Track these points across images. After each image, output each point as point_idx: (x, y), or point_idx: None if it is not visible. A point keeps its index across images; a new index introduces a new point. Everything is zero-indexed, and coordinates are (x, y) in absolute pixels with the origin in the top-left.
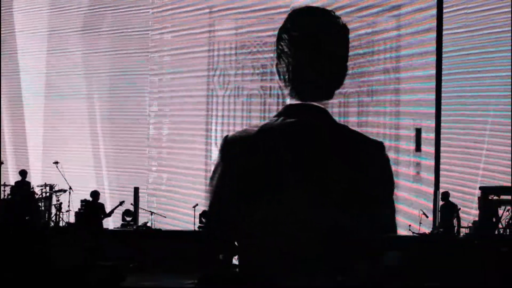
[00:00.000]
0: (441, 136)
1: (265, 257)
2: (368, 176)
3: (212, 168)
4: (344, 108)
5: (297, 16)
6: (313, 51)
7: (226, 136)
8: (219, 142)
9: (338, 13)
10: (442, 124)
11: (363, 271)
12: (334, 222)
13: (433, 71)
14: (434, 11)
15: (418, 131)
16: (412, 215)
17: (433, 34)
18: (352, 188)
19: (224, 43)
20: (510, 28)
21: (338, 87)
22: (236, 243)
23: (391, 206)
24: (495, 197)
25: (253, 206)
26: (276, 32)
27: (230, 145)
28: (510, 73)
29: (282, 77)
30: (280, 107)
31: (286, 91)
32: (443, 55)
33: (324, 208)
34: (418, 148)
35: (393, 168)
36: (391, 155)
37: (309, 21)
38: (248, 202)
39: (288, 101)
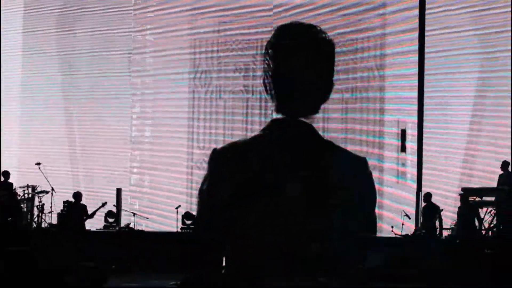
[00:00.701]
0: (424, 136)
1: (261, 258)
2: (351, 190)
3: (193, 166)
4: (328, 104)
5: (283, 31)
6: (299, 62)
7: (215, 149)
8: (201, 142)
9: (322, 11)
10: (425, 124)
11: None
12: (328, 228)
13: (416, 70)
14: (417, 11)
15: (403, 132)
16: (395, 215)
17: (416, 33)
18: (337, 200)
19: (206, 40)
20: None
21: (324, 101)
22: (228, 245)
23: (373, 221)
24: (478, 199)
25: (249, 208)
26: (258, 30)
27: (220, 153)
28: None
29: (269, 91)
30: (263, 104)
31: (273, 106)
32: (426, 56)
33: (319, 211)
34: (403, 148)
35: (378, 163)
36: (375, 150)
37: (296, 33)
38: (243, 205)
39: (274, 116)
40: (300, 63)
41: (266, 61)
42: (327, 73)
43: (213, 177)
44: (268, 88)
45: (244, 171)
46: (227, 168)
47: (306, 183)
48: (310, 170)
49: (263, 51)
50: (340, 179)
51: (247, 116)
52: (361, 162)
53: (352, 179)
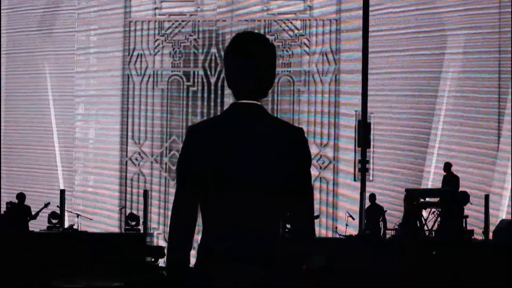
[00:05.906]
0: (371, 134)
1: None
2: (292, 148)
3: (129, 164)
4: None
5: (240, 37)
6: (255, 61)
7: (190, 126)
8: (136, 136)
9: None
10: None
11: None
12: (277, 179)
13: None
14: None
15: (360, 124)
16: (338, 217)
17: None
18: (282, 156)
19: (142, 22)
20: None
21: (270, 88)
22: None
23: (309, 179)
24: (421, 200)
25: (221, 167)
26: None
27: (194, 129)
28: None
29: (228, 82)
30: (206, 94)
31: (232, 93)
32: (370, 55)
33: (270, 168)
34: (360, 144)
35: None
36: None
37: (244, 37)
38: (216, 165)
39: (233, 100)
40: (255, 62)
41: (228, 61)
42: (273, 68)
43: (189, 149)
44: (230, 82)
45: (215, 141)
46: (200, 140)
47: (260, 146)
48: (263, 137)
49: (224, 53)
50: (284, 140)
51: (188, 101)
52: (299, 130)
53: (292, 140)
